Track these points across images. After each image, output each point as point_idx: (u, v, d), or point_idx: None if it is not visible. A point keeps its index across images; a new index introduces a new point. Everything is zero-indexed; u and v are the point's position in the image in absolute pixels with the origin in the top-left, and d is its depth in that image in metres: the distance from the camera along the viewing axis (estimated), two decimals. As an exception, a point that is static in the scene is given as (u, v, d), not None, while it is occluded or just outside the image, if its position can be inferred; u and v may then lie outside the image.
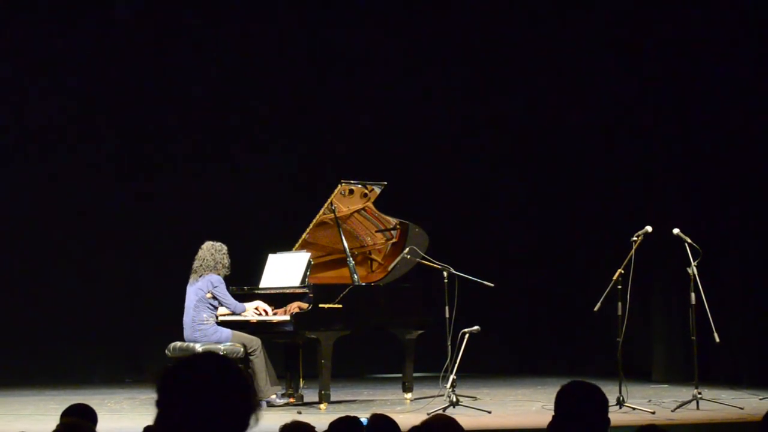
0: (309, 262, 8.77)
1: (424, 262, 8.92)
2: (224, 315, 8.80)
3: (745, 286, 10.54)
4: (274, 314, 8.71)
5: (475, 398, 8.81)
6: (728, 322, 9.74)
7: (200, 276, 8.62)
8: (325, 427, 3.92)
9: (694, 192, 10.89)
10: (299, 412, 8.16)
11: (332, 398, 8.58)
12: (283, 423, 3.67)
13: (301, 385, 9.11)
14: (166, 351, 8.66)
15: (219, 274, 8.62)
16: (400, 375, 9.19)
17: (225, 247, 8.72)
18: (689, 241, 8.18)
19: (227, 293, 8.67)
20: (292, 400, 8.87)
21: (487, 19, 12.40)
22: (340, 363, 8.95)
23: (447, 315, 8.39)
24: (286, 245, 9.13)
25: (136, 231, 12.21)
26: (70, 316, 11.82)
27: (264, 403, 8.47)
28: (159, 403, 2.27)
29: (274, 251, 9.12)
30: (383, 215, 9.25)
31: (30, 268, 12.00)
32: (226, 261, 8.68)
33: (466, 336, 8.21)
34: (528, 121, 12.50)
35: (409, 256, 9.03)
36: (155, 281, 11.77)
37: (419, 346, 9.14)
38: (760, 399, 8.63)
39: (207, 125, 12.41)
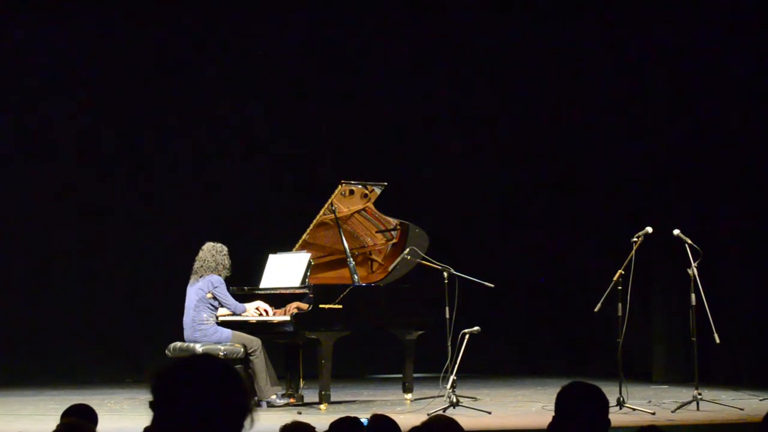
0: (309, 262, 8.76)
1: (424, 262, 8.91)
2: (224, 315, 8.80)
3: (745, 287, 10.54)
4: (275, 314, 8.72)
5: (475, 399, 8.80)
6: (728, 323, 9.74)
7: (201, 276, 8.63)
8: (326, 427, 3.92)
9: (694, 192, 10.89)
10: (299, 413, 8.15)
11: (332, 399, 8.58)
12: (283, 423, 3.66)
13: (302, 385, 9.10)
14: (166, 351, 8.66)
15: (220, 275, 8.63)
16: (400, 375, 9.19)
17: (226, 249, 8.73)
18: (689, 241, 8.17)
19: (227, 294, 8.68)
20: (292, 400, 8.86)
21: (487, 19, 12.39)
22: (341, 363, 8.95)
23: (447, 315, 8.38)
24: (286, 245, 9.13)
25: (136, 231, 12.21)
26: (70, 316, 11.82)
27: (264, 404, 8.48)
28: (154, 405, 2.28)
29: (275, 251, 9.11)
30: (383, 216, 9.24)
31: (30, 268, 12.00)
32: (227, 262, 8.69)
33: (467, 336, 8.21)
34: (528, 121, 12.50)
35: (409, 257, 9.02)
36: (155, 281, 11.77)
37: (419, 347, 9.13)
38: (761, 400, 8.62)
39: (207, 125, 12.41)
